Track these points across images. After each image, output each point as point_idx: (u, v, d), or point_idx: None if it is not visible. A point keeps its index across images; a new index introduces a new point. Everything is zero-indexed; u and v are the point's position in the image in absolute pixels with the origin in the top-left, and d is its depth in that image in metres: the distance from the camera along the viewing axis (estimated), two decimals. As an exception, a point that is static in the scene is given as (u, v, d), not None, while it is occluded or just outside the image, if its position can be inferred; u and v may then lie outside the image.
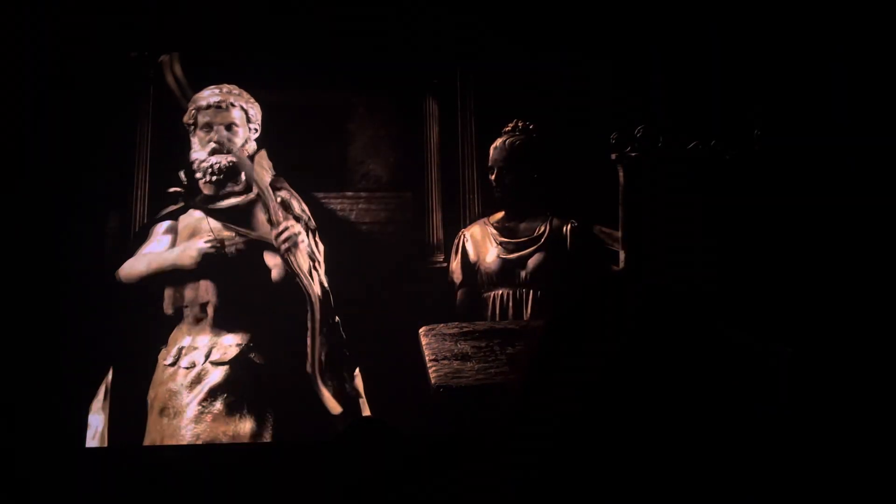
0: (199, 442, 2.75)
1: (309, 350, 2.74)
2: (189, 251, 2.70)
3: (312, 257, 2.80)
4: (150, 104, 3.21)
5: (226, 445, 2.70)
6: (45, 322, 2.78)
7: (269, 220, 2.76)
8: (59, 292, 2.78)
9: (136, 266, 2.73)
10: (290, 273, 2.72)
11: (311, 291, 2.73)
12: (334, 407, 2.69)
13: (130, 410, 2.80)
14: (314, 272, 2.78)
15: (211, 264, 2.75)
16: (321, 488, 1.96)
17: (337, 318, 2.89)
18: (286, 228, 2.65)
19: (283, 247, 2.67)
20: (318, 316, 2.73)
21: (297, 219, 2.87)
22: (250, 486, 2.37)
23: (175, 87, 2.70)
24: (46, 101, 2.83)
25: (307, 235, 2.83)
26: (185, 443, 2.75)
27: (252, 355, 2.72)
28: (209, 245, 2.69)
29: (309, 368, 2.77)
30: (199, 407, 2.65)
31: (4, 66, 2.72)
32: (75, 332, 2.74)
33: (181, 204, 2.83)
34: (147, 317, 2.82)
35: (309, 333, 2.74)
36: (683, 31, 3.34)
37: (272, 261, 2.72)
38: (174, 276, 2.81)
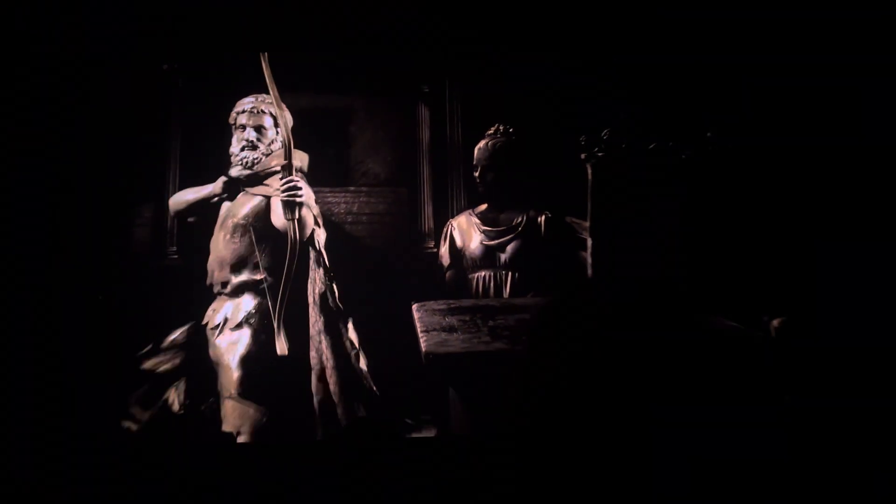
0: (227, 408, 2.76)
1: (280, 292, 2.76)
2: (217, 183, 2.86)
3: (316, 222, 2.86)
4: (180, 109, 3.30)
5: (222, 445, 2.66)
6: (98, 293, 2.85)
7: (287, 165, 2.75)
8: (105, 271, 2.87)
9: (185, 196, 2.90)
10: (287, 219, 2.72)
11: (293, 235, 2.73)
12: (282, 348, 2.69)
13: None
14: (315, 231, 2.82)
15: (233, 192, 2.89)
16: (320, 488, 1.90)
17: (333, 273, 2.86)
18: (292, 180, 2.70)
19: (285, 193, 2.70)
20: (294, 261, 2.71)
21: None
22: (248, 485, 2.28)
23: (270, 82, 2.72)
24: (93, 108, 2.88)
25: (311, 215, 2.87)
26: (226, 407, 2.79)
27: (252, 320, 2.77)
28: (226, 177, 2.85)
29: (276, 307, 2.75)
30: (227, 372, 2.74)
31: (55, 78, 2.74)
32: (128, 302, 2.84)
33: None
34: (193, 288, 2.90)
35: (284, 277, 2.73)
36: (647, 48, 3.29)
37: (275, 205, 2.77)
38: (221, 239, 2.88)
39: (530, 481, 0.81)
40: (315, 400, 2.79)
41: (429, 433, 2.99)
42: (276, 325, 2.72)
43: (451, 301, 2.73)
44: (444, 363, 2.29)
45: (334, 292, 2.86)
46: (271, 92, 2.76)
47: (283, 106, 2.89)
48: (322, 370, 2.81)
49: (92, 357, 2.68)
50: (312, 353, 2.80)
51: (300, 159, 2.94)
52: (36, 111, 2.68)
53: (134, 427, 2.76)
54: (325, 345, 2.82)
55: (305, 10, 3.12)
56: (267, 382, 2.71)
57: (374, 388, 2.85)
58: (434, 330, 2.41)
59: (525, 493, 0.82)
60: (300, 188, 2.72)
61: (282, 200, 2.71)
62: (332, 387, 2.78)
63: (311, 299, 2.83)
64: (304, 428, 2.79)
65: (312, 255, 2.86)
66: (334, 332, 2.85)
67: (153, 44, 3.04)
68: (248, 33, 3.03)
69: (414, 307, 2.62)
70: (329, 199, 3.31)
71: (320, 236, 2.90)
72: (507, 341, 2.37)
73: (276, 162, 2.91)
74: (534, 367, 0.84)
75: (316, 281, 2.84)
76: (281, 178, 2.74)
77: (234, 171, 2.91)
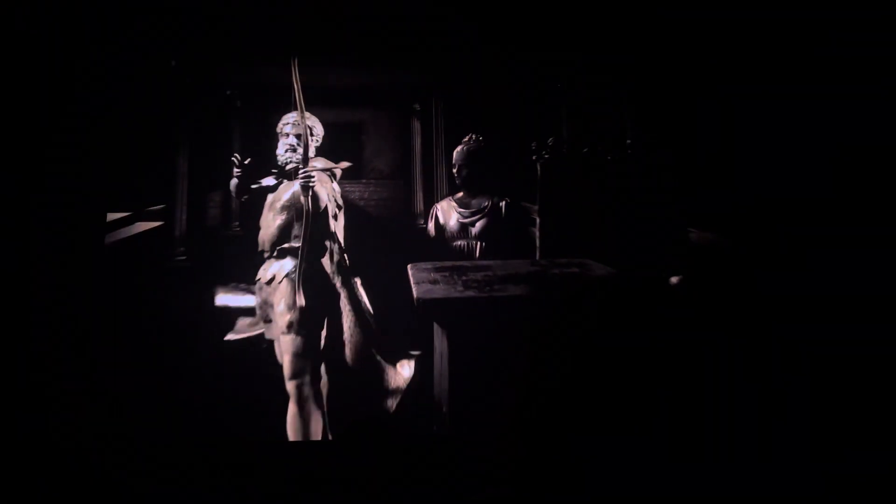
0: (282, 342, 2.90)
1: (300, 256, 2.88)
2: (269, 178, 3.04)
3: (338, 205, 3.04)
4: (238, 122, 3.50)
5: (227, 443, 2.50)
6: (184, 254, 3.00)
7: (304, 159, 2.95)
8: (189, 239, 3.04)
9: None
10: (304, 196, 2.88)
11: (303, 202, 2.89)
12: (300, 300, 2.87)
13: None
14: (334, 214, 3.00)
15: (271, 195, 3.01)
16: (321, 487, 1.72)
17: (344, 246, 3.07)
18: (307, 171, 2.90)
19: (301, 179, 2.90)
20: (308, 229, 2.87)
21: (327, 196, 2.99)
22: (252, 485, 2.12)
23: (297, 86, 2.84)
24: (180, 129, 3.07)
25: (334, 203, 3.03)
26: (281, 341, 2.89)
27: (292, 276, 2.93)
28: (274, 174, 3.00)
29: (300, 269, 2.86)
30: (279, 316, 2.94)
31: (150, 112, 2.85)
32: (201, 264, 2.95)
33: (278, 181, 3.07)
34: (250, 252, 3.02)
35: (301, 242, 2.88)
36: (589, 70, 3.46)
37: (298, 187, 2.92)
38: (267, 217, 2.99)
39: (528, 481, 0.73)
40: (345, 333, 2.99)
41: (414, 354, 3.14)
42: (297, 284, 2.87)
43: (435, 262, 2.88)
44: (430, 306, 2.45)
45: (345, 259, 3.08)
46: (297, 94, 2.86)
47: (308, 114, 3.02)
48: (343, 313, 3.03)
49: (184, 298, 2.86)
50: (340, 305, 3.03)
51: (341, 168, 3.11)
52: (135, 129, 2.81)
53: (234, 338, 3.01)
54: (343, 295, 3.04)
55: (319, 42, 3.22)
56: (304, 320, 2.89)
57: (373, 322, 3.06)
58: (423, 283, 2.58)
59: (522, 493, 0.72)
60: (313, 176, 2.92)
61: (299, 184, 2.93)
62: (347, 322, 3.02)
63: (329, 263, 3.03)
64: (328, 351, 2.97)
65: (330, 233, 3.05)
66: (349, 286, 3.08)
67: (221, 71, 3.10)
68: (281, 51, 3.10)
69: (409, 266, 2.78)
70: (347, 189, 3.48)
71: (339, 220, 3.08)
72: (475, 290, 2.50)
73: (316, 163, 3.05)
74: (536, 370, 0.75)
75: (333, 252, 3.05)
76: (300, 171, 2.95)
77: (281, 167, 3.05)
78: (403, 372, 3.20)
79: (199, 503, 1.96)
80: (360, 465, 1.73)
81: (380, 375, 3.10)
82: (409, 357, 3.28)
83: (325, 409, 2.89)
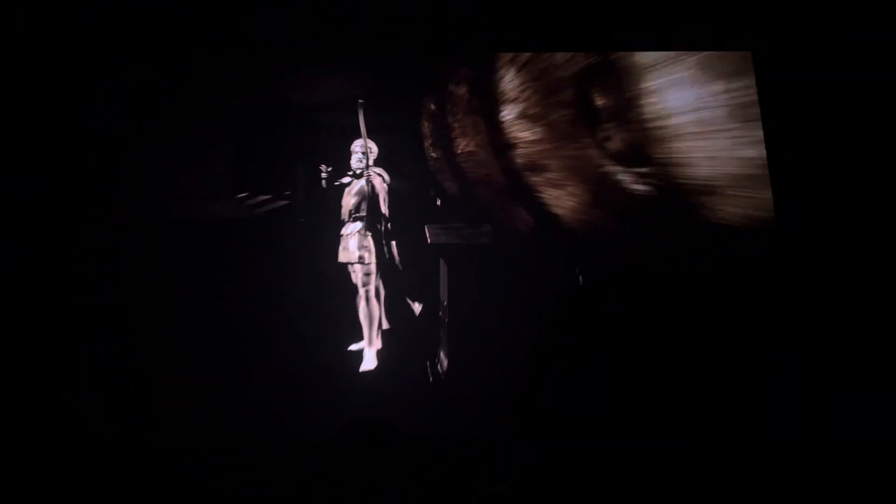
0: (355, 268, 3.78)
1: (364, 220, 3.82)
2: (346, 177, 3.91)
3: (387, 195, 3.95)
4: (327, 145, 4.16)
5: (230, 443, 2.49)
6: (302, 219, 3.64)
7: (366, 167, 3.89)
8: (305, 210, 3.79)
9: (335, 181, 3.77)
10: (368, 188, 3.81)
11: (366, 190, 3.88)
12: (365, 242, 3.97)
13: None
14: (384, 200, 3.95)
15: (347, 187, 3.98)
16: (321, 488, 1.61)
17: (390, 221, 3.99)
18: (370, 174, 3.87)
19: (366, 176, 3.89)
20: (368, 206, 3.82)
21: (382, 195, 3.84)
22: (254, 485, 1.99)
23: (362, 124, 3.60)
24: (298, 150, 3.71)
25: (384, 193, 3.94)
26: (353, 268, 3.72)
27: (362, 231, 3.91)
28: (349, 175, 3.85)
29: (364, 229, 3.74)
30: (351, 253, 3.83)
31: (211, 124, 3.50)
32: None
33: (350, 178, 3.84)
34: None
35: (366, 210, 3.86)
36: None
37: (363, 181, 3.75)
38: (346, 199, 3.93)
39: (530, 480, 0.71)
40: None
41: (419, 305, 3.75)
42: (363, 234, 3.85)
43: (441, 223, 3.55)
44: (439, 247, 3.26)
45: (388, 227, 3.90)
46: (361, 127, 3.74)
47: (369, 140, 3.90)
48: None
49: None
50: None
51: (384, 175, 3.89)
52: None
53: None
54: (385, 250, 3.91)
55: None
56: (366, 255, 3.82)
57: (401, 267, 3.85)
58: (434, 234, 3.31)
59: (523, 492, 0.71)
60: (371, 175, 3.88)
61: (364, 180, 3.84)
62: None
63: (379, 229, 3.95)
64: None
65: (381, 212, 3.93)
66: (388, 244, 3.96)
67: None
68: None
69: (426, 226, 3.50)
70: (389, 183, 4.29)
71: (386, 204, 3.97)
72: (464, 239, 3.25)
73: (375, 169, 3.86)
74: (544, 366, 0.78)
75: (382, 222, 3.96)
76: (364, 173, 3.80)
77: (353, 169, 3.92)
78: (416, 305, 4.11)
79: (199, 502, 1.78)
80: (360, 465, 1.62)
81: (404, 302, 4.39)
82: (420, 300, 4.11)
83: (382, 308, 4.34)
